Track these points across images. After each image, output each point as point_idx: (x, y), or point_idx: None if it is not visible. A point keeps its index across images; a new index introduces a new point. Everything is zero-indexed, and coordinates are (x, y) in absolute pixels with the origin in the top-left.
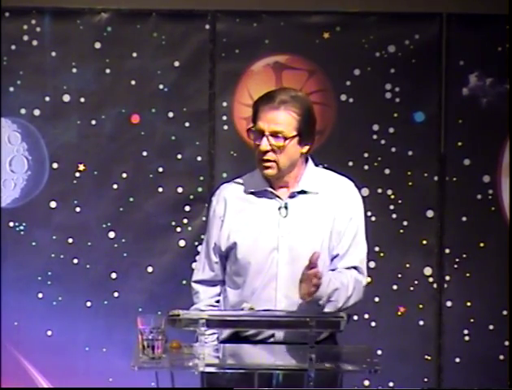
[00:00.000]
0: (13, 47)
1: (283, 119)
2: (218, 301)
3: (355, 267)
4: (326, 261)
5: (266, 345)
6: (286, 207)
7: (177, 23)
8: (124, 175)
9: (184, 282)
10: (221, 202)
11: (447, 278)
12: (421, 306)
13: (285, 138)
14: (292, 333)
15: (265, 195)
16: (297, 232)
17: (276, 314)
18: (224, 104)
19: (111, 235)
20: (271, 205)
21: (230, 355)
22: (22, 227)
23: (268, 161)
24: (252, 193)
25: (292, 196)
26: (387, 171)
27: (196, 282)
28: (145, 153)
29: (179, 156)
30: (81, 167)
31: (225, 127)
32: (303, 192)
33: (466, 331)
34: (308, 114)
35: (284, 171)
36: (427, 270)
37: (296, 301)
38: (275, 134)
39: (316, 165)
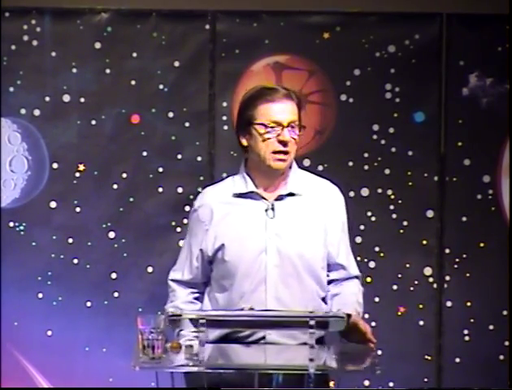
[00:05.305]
0: (13, 47)
1: (295, 110)
2: (197, 298)
3: (357, 277)
4: (317, 262)
5: (266, 345)
6: (273, 209)
7: (177, 23)
8: (124, 175)
9: None
10: (205, 207)
11: (447, 278)
12: (421, 306)
13: (299, 129)
14: (285, 334)
15: (251, 197)
16: (285, 234)
17: (276, 314)
18: (224, 104)
19: (111, 235)
20: (258, 207)
21: (230, 355)
22: (22, 227)
23: (284, 153)
24: (237, 196)
25: (279, 198)
26: (387, 171)
27: (173, 281)
28: (145, 153)
29: (179, 156)
30: (81, 167)
31: (225, 127)
32: (290, 194)
33: (466, 331)
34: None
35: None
36: (427, 270)
37: (287, 302)
38: (291, 124)
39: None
